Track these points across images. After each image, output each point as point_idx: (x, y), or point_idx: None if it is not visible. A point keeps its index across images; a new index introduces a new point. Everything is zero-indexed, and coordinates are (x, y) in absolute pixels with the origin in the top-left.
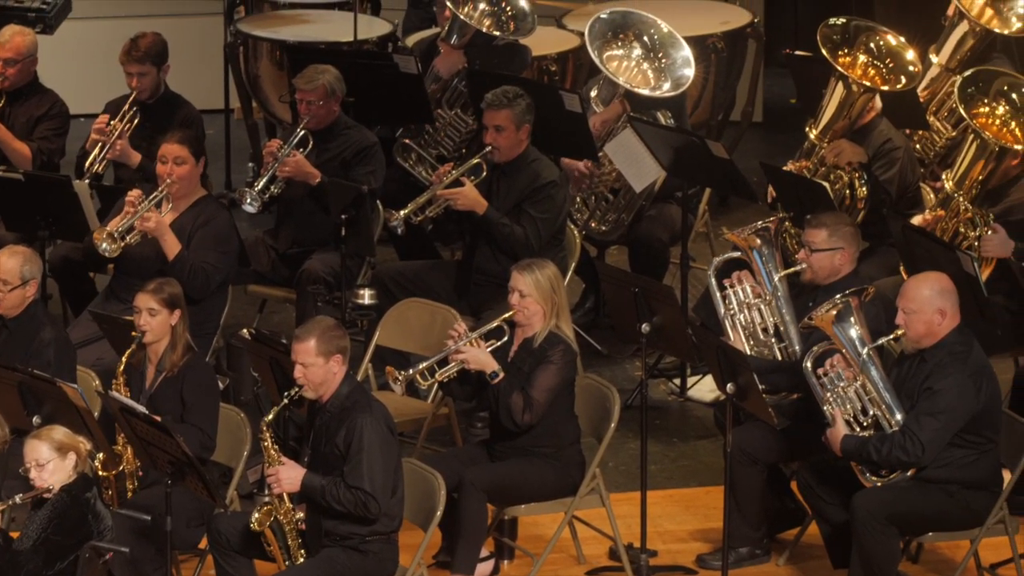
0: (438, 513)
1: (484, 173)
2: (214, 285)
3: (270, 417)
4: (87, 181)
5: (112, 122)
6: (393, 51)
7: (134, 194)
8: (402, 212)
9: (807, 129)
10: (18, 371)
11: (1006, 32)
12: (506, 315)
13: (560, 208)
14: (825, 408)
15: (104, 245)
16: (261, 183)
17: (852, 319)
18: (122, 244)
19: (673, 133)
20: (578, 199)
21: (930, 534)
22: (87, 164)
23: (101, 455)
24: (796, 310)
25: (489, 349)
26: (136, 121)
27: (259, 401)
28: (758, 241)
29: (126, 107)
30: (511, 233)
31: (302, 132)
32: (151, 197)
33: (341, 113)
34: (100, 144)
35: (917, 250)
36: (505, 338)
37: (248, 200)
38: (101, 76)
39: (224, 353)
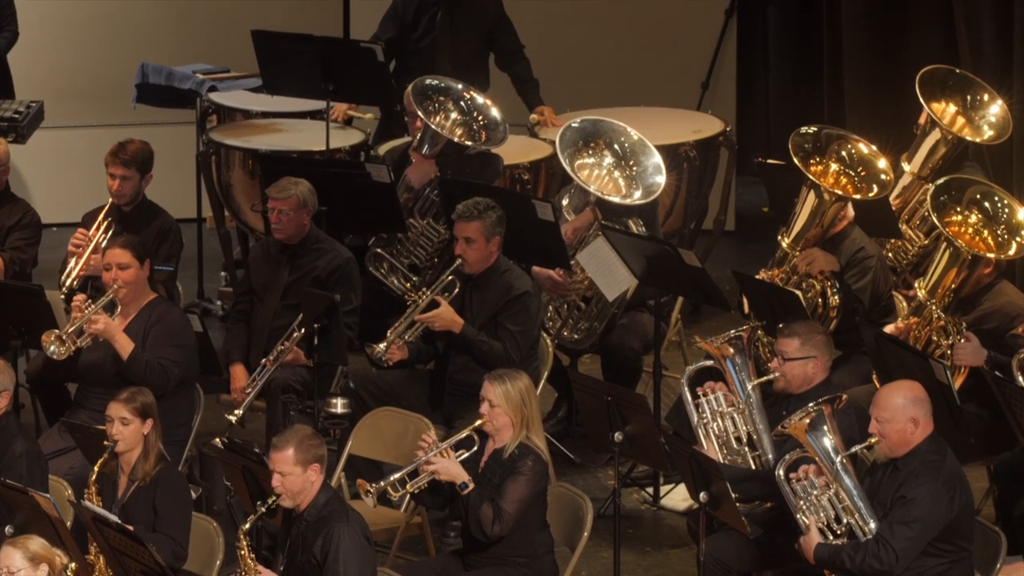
0: None
1: (457, 289)
2: (174, 380)
3: (247, 526)
4: (62, 295)
5: (89, 233)
6: (365, 160)
7: (79, 298)
8: (382, 345)
9: (779, 237)
10: None
11: (978, 140)
12: (475, 424)
13: (535, 318)
14: (798, 516)
15: (52, 348)
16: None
17: (825, 427)
18: (72, 347)
19: (645, 241)
20: (550, 308)
21: None
22: (63, 278)
23: (74, 565)
24: (769, 418)
25: (460, 459)
26: (112, 230)
27: (232, 510)
28: (731, 350)
29: (100, 217)
30: (490, 350)
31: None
32: (98, 302)
33: (313, 226)
34: (76, 257)
35: (890, 358)
36: (475, 448)
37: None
38: (74, 185)
39: (197, 462)
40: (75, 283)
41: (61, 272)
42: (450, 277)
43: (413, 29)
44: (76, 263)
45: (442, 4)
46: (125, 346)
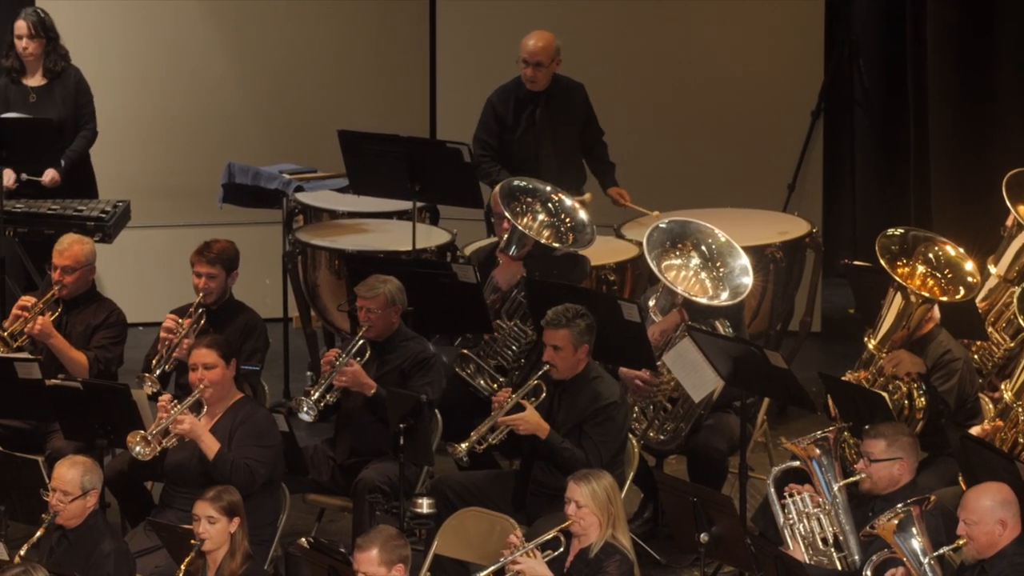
0: None
1: (544, 394)
2: (259, 480)
3: None
4: (155, 377)
5: (181, 321)
6: (452, 260)
7: (165, 398)
8: (464, 445)
9: (866, 339)
10: None
11: None
12: (562, 525)
13: (621, 428)
14: None
15: (138, 448)
16: (318, 392)
17: (914, 529)
18: (158, 448)
19: (731, 343)
20: (636, 409)
21: None
22: (153, 362)
23: None
24: (855, 520)
25: (546, 559)
26: (202, 323)
27: None
28: (817, 451)
29: (192, 308)
30: (572, 457)
31: (360, 342)
32: (184, 402)
33: (401, 324)
34: (167, 343)
35: (976, 461)
36: (561, 548)
37: (305, 409)
38: (160, 284)
39: (282, 562)
40: (168, 368)
41: (150, 357)
42: (536, 381)
43: (515, 128)
44: (167, 349)
45: (540, 100)
46: (211, 446)
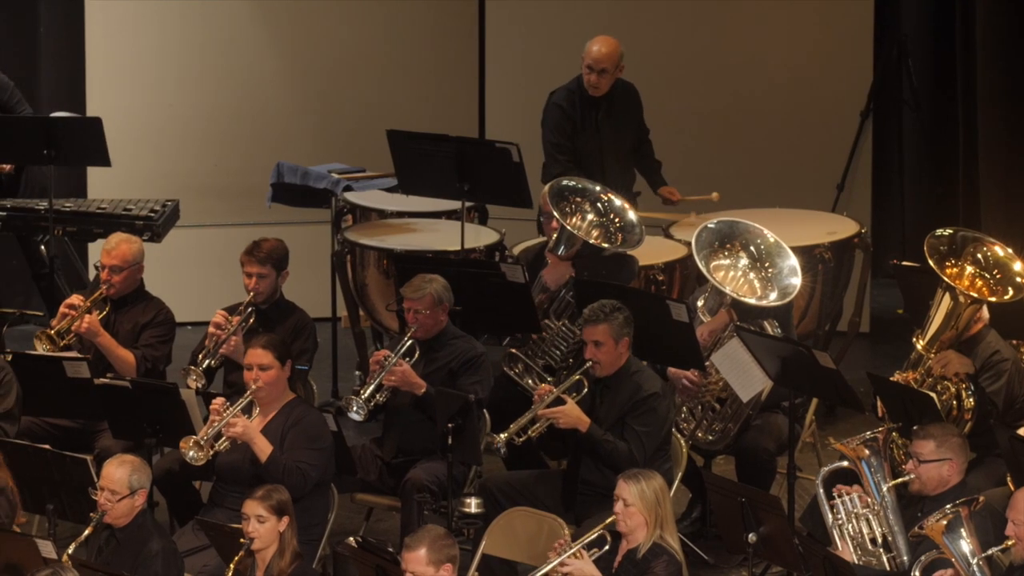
0: None
1: (585, 389)
2: (311, 483)
3: None
4: (201, 371)
5: (231, 317)
6: (500, 260)
7: (218, 402)
8: (503, 435)
9: (914, 340)
10: None
11: None
12: (606, 522)
13: (663, 420)
14: None
15: (191, 453)
16: (367, 391)
17: (963, 529)
18: (210, 452)
19: (780, 343)
20: (684, 409)
21: None
22: (200, 357)
23: None
24: (904, 520)
25: (593, 558)
26: (251, 321)
27: None
28: (866, 451)
29: (243, 307)
30: (614, 449)
31: (409, 342)
32: (237, 403)
33: (449, 323)
34: (215, 338)
35: None
36: (607, 546)
37: (355, 408)
38: (209, 283)
39: (330, 561)
40: (213, 364)
41: (196, 352)
42: (578, 377)
43: (583, 131)
44: (214, 345)
45: (602, 104)
46: (264, 449)
